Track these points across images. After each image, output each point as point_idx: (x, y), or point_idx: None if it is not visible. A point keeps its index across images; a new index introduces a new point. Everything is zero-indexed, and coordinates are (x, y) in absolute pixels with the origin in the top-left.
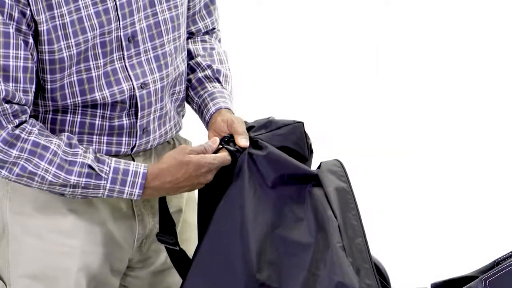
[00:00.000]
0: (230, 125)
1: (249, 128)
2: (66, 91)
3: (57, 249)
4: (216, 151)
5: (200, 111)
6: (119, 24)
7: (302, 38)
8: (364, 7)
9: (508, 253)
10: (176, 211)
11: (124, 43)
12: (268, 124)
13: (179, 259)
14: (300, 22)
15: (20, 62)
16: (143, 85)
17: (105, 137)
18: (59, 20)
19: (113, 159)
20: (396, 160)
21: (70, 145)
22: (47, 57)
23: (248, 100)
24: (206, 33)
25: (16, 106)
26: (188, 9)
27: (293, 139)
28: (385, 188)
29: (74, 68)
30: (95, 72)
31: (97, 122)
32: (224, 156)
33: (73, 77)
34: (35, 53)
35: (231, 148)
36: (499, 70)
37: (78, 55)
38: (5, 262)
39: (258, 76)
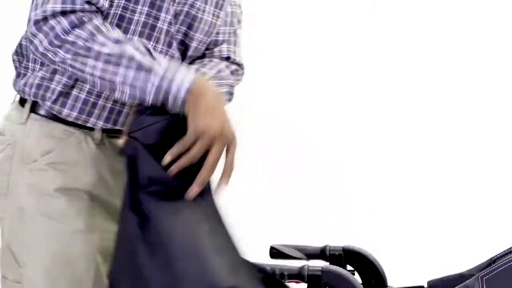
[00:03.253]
0: None
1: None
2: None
3: (75, 229)
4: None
5: None
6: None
7: (299, 40)
8: (350, 11)
9: (504, 251)
10: None
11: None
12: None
13: None
14: (296, 25)
15: None
16: None
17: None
18: None
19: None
20: (395, 160)
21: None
22: None
23: (247, 102)
24: (221, 59)
25: (94, 8)
26: None
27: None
28: (383, 187)
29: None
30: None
31: (99, 102)
32: None
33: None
34: None
35: None
36: (497, 72)
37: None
38: (21, 243)
39: (254, 81)
